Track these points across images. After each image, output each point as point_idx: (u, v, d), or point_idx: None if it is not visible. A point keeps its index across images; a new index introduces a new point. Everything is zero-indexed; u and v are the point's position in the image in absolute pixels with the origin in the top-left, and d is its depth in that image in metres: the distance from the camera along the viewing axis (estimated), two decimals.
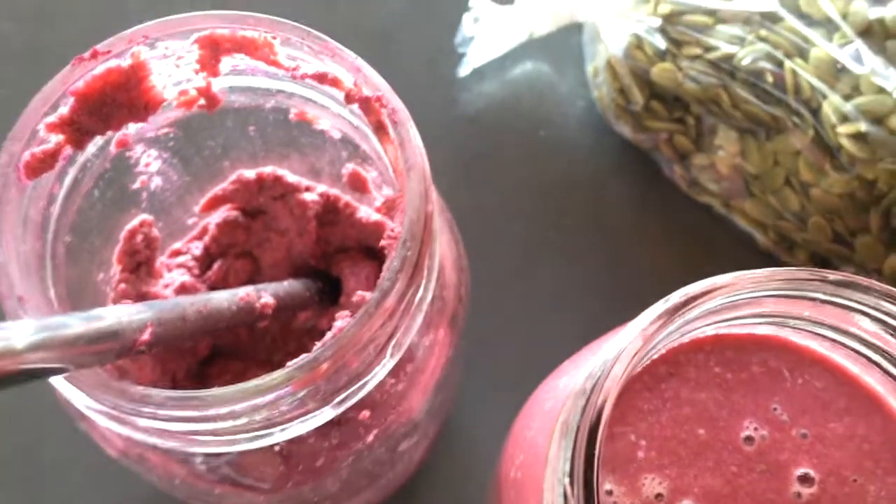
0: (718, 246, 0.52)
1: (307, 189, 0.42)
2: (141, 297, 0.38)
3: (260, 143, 0.40)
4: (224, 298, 0.32)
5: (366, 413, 0.31)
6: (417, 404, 0.33)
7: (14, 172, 0.29)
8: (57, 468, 0.47)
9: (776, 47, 0.45)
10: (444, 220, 0.36)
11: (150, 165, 0.38)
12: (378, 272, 0.42)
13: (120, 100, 0.30)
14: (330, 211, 0.42)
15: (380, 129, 0.31)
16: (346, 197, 0.42)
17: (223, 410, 0.26)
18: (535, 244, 0.52)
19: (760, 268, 0.51)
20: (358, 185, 0.42)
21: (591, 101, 0.55)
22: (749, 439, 0.30)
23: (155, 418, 0.26)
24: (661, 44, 0.47)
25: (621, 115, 0.51)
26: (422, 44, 0.56)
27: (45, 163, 0.30)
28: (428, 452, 0.44)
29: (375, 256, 0.42)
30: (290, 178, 0.41)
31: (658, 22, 0.47)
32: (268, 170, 0.41)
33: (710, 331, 0.31)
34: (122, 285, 0.38)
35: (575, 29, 0.55)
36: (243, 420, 0.26)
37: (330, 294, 0.41)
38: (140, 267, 0.39)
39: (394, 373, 0.31)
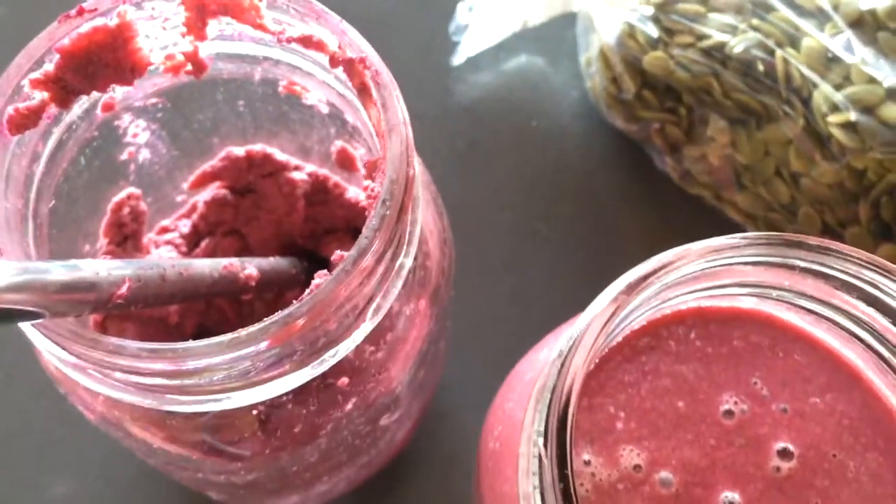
0: (709, 238, 0.52)
1: (296, 168, 0.42)
2: None
3: (250, 118, 0.41)
4: (206, 265, 0.32)
5: (344, 380, 0.31)
6: (397, 375, 0.33)
7: None
8: (43, 451, 0.47)
9: (768, 36, 0.45)
10: (430, 194, 0.36)
11: (137, 136, 0.38)
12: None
13: (106, 60, 0.30)
14: (319, 191, 0.42)
15: (363, 91, 0.31)
16: (336, 177, 0.42)
17: (199, 363, 0.25)
18: (524, 234, 0.52)
19: None
20: (346, 163, 0.42)
21: (585, 93, 0.55)
22: (729, 413, 0.30)
23: (129, 372, 0.26)
24: (654, 32, 0.47)
25: (613, 104, 0.51)
26: (416, 32, 0.56)
27: (28, 119, 0.30)
28: (411, 434, 0.44)
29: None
30: (280, 156, 0.42)
31: (650, 10, 0.47)
32: (257, 147, 0.41)
33: (692, 302, 0.31)
34: (108, 258, 0.38)
35: (569, 22, 0.55)
36: (220, 375, 0.26)
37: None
38: (126, 241, 0.39)
39: (373, 340, 0.30)
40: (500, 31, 0.53)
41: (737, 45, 0.45)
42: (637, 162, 0.53)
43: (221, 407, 0.28)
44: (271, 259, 0.38)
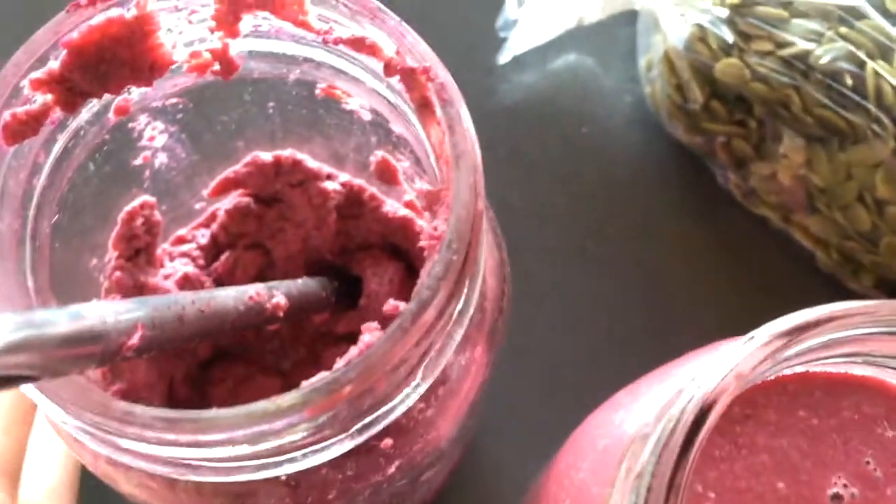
0: (774, 264, 0.47)
1: (329, 177, 0.37)
2: (138, 287, 0.34)
3: (279, 121, 0.36)
4: (230, 297, 0.28)
5: (388, 441, 0.27)
6: (447, 431, 0.29)
7: None
8: None
9: (858, 46, 0.40)
10: (487, 220, 0.32)
11: (154, 139, 0.34)
12: (403, 274, 0.37)
13: (121, 57, 0.26)
14: (353, 203, 0.38)
15: (424, 107, 0.27)
16: (372, 188, 0.38)
17: (222, 436, 0.21)
18: (570, 252, 0.47)
19: (820, 291, 0.47)
20: (386, 175, 0.37)
21: (640, 97, 0.50)
22: (837, 497, 0.26)
23: (140, 440, 0.22)
24: (729, 37, 0.42)
25: (676, 114, 0.46)
26: (461, 27, 0.51)
27: (28, 126, 0.25)
28: (448, 478, 0.40)
29: (400, 256, 0.38)
30: (311, 163, 0.37)
31: (725, 13, 0.42)
32: (286, 153, 0.37)
33: (798, 368, 0.26)
34: (118, 273, 0.34)
35: (623, 19, 0.50)
36: (245, 448, 0.22)
37: (347, 295, 0.37)
38: (139, 254, 0.35)
39: (424, 397, 0.26)
40: (553, 29, 0.48)
41: (823, 56, 0.40)
42: (696, 176, 0.49)
43: (244, 478, 0.23)
44: (300, 281, 0.34)
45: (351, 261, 0.38)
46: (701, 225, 0.48)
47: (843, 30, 0.41)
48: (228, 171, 0.37)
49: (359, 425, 0.24)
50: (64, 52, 0.25)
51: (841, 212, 0.43)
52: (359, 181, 0.37)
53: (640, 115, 0.50)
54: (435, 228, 0.25)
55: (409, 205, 0.37)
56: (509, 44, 0.49)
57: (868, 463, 0.26)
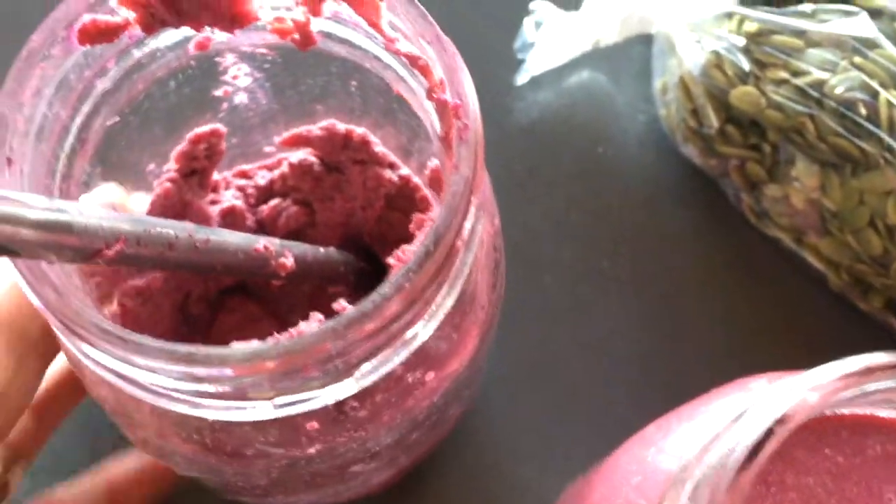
0: (785, 283, 0.48)
1: (391, 166, 0.39)
2: (183, 203, 0.36)
3: (359, 100, 0.37)
4: (236, 242, 0.30)
5: (314, 424, 0.28)
6: (377, 435, 0.30)
7: (65, 30, 0.26)
8: None
9: (871, 76, 0.41)
10: (492, 259, 0.33)
11: (238, 79, 0.35)
12: None
13: (207, 1, 0.27)
14: (404, 197, 0.39)
15: (445, 140, 0.28)
16: (427, 191, 0.39)
17: (154, 363, 0.24)
18: (587, 272, 0.48)
19: (831, 310, 0.48)
20: (437, 185, 0.38)
21: (653, 117, 0.51)
22: None
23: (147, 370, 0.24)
24: (745, 64, 0.43)
25: (690, 137, 0.47)
26: (478, 47, 0.52)
27: (104, 35, 0.27)
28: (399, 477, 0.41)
29: None
30: (379, 147, 0.39)
31: (742, 41, 0.43)
32: (360, 130, 0.38)
33: (826, 410, 0.27)
34: (168, 185, 0.35)
35: (636, 38, 0.51)
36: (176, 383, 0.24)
37: (371, 280, 0.38)
38: (194, 174, 0.36)
39: (358, 396, 0.28)
40: (570, 51, 0.49)
41: (838, 85, 0.41)
42: (710, 198, 0.49)
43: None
44: (322, 250, 0.35)
45: (385, 249, 0.39)
46: (714, 245, 0.49)
47: (857, 59, 0.41)
48: (303, 129, 0.38)
49: (280, 401, 0.25)
50: None
51: (853, 236, 0.44)
52: (417, 180, 0.39)
53: (653, 136, 0.51)
54: (404, 251, 0.26)
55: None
56: (527, 65, 0.50)
57: (891, 500, 0.27)
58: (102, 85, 0.29)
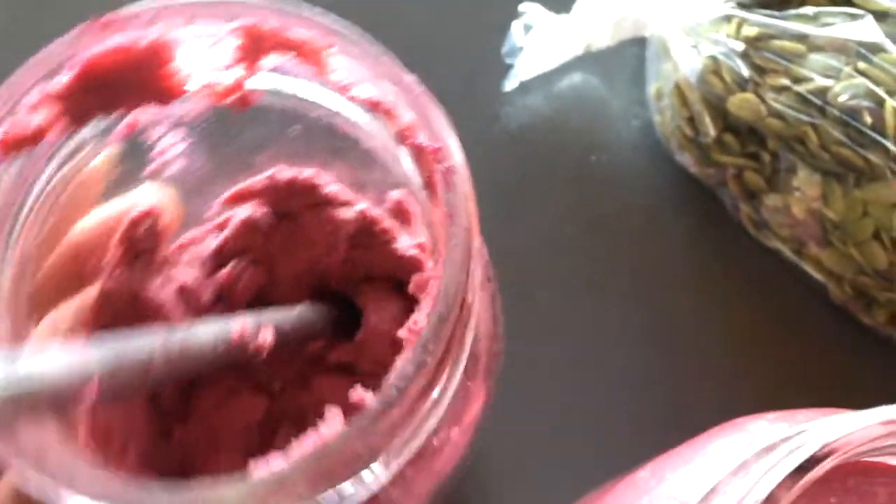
0: (785, 295, 0.46)
1: (345, 204, 0.36)
2: (132, 297, 0.33)
3: (303, 144, 0.35)
4: (211, 334, 0.27)
5: None
6: None
7: None
8: None
9: (877, 83, 0.39)
10: (487, 294, 0.31)
11: (170, 149, 0.33)
12: (407, 311, 0.36)
13: (132, 81, 0.25)
14: (365, 233, 0.37)
15: (429, 186, 0.26)
16: (388, 222, 0.37)
17: None
18: (580, 285, 0.46)
19: (832, 323, 0.46)
20: (402, 216, 0.36)
21: (647, 121, 0.49)
22: None
23: None
24: (744, 70, 0.41)
25: (686, 145, 0.45)
26: (464, 51, 0.50)
27: (28, 140, 0.25)
28: None
29: (405, 293, 0.37)
30: (331, 188, 0.36)
31: (741, 46, 0.41)
32: (307, 173, 0.36)
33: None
34: (112, 280, 0.33)
35: (631, 40, 0.49)
36: None
37: (346, 323, 0.36)
38: (139, 258, 0.34)
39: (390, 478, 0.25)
40: (560, 55, 0.47)
41: (841, 93, 0.39)
42: (707, 207, 0.48)
43: None
44: (295, 312, 0.33)
45: (355, 291, 0.37)
46: (711, 256, 0.47)
47: (861, 65, 0.40)
48: (246, 182, 0.36)
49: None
50: (73, 72, 0.25)
51: (856, 248, 0.42)
52: (375, 212, 0.37)
53: (648, 142, 0.49)
54: (416, 322, 0.24)
55: (421, 246, 0.36)
56: (515, 70, 0.48)
57: None
58: (38, 187, 0.27)
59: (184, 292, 0.34)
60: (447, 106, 0.52)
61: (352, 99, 0.27)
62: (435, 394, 0.24)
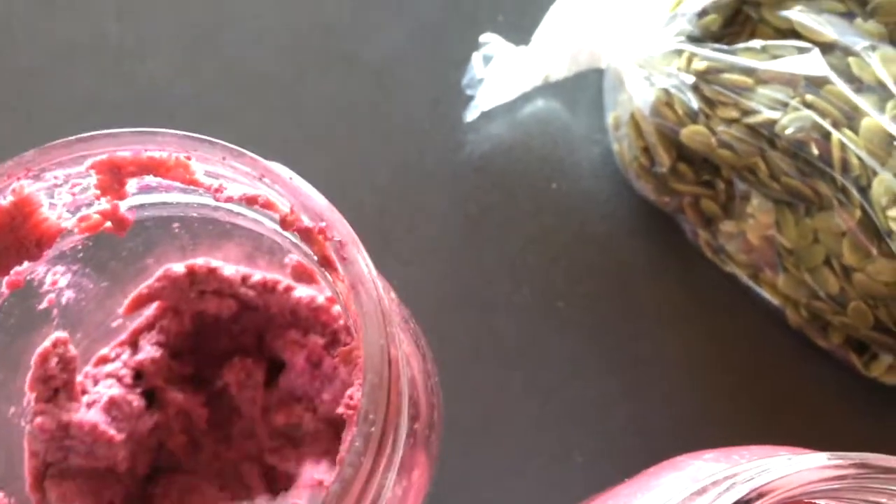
0: (745, 321, 0.47)
1: (244, 279, 0.37)
2: (62, 427, 0.34)
3: (187, 237, 0.36)
4: None
5: None
6: None
7: None
8: None
9: (823, 115, 0.40)
10: (409, 335, 0.32)
11: (57, 283, 0.33)
12: (320, 348, 0.37)
13: (4, 242, 0.26)
14: (266, 291, 0.38)
15: (326, 263, 0.27)
16: (287, 280, 0.37)
17: None
18: (543, 313, 0.47)
19: (790, 347, 0.47)
20: (304, 277, 0.37)
21: (608, 148, 0.50)
22: None
23: None
24: (694, 103, 0.42)
25: (643, 175, 0.46)
26: (425, 81, 0.51)
27: None
28: None
29: (316, 331, 0.38)
30: (227, 268, 0.37)
31: (691, 79, 0.42)
32: (200, 262, 0.37)
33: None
34: (39, 418, 0.33)
35: (592, 68, 0.50)
36: None
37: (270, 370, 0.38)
38: (58, 393, 0.34)
39: None
40: (519, 86, 0.48)
41: (789, 125, 0.40)
42: (666, 233, 0.48)
43: None
44: None
45: (271, 347, 0.38)
46: (672, 281, 0.48)
47: (808, 97, 0.40)
48: (141, 287, 0.37)
49: None
50: None
51: (809, 273, 0.43)
52: (273, 276, 0.37)
53: (608, 169, 0.50)
54: (351, 397, 0.25)
55: (331, 299, 0.37)
56: (476, 101, 0.48)
57: None
58: None
59: (113, 405, 0.35)
60: (412, 136, 0.53)
61: (227, 200, 0.28)
62: (385, 457, 0.25)
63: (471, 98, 0.49)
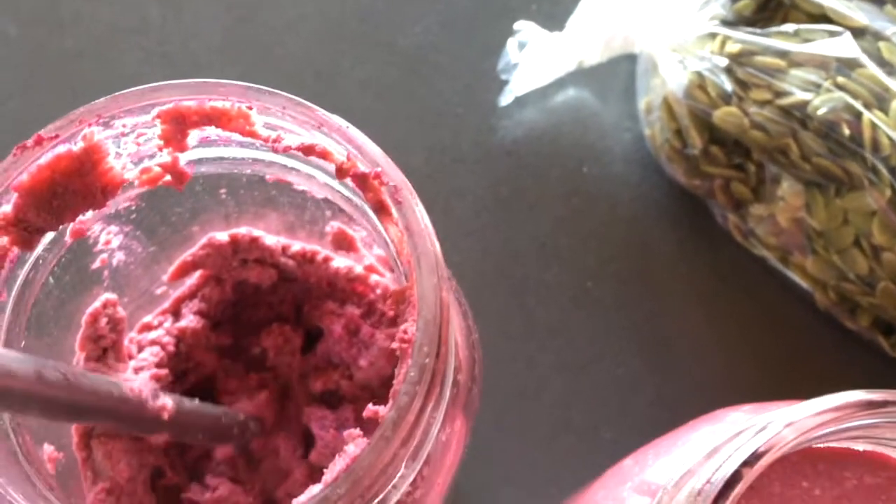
0: (773, 302, 0.48)
1: (284, 250, 0.38)
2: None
3: (232, 204, 0.37)
4: (105, 379, 0.29)
5: None
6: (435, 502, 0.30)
7: None
8: None
9: (854, 97, 0.41)
10: (451, 293, 0.33)
11: (110, 243, 0.34)
12: (357, 317, 0.38)
13: (73, 188, 0.27)
14: (307, 261, 0.39)
15: (380, 208, 0.27)
16: (326, 251, 0.38)
17: None
18: (573, 293, 0.48)
19: (818, 329, 0.47)
20: (344, 244, 0.38)
21: (638, 135, 0.51)
22: None
23: None
24: (727, 85, 0.43)
25: (675, 157, 0.47)
26: (460, 66, 0.52)
27: None
28: None
29: (353, 302, 0.39)
30: (269, 238, 0.38)
31: (725, 62, 0.43)
32: (242, 231, 0.38)
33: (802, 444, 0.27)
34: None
35: (623, 56, 0.51)
36: None
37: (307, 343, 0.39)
38: (106, 352, 0.35)
39: (412, 482, 0.27)
40: (553, 71, 0.49)
41: (821, 106, 0.41)
42: (696, 217, 0.49)
43: None
44: (198, 403, 0.34)
45: (309, 317, 0.39)
46: (701, 264, 0.49)
47: (840, 80, 0.41)
48: (186, 255, 0.38)
49: None
50: (15, 196, 0.26)
51: (838, 255, 0.44)
52: (312, 247, 0.38)
53: (639, 155, 0.51)
54: (406, 332, 0.26)
55: (369, 268, 0.38)
56: (511, 86, 0.49)
57: None
58: (5, 318, 0.28)
59: (157, 379, 0.36)
60: (447, 120, 0.54)
61: (285, 150, 0.28)
62: (437, 393, 0.26)
63: (505, 83, 0.50)
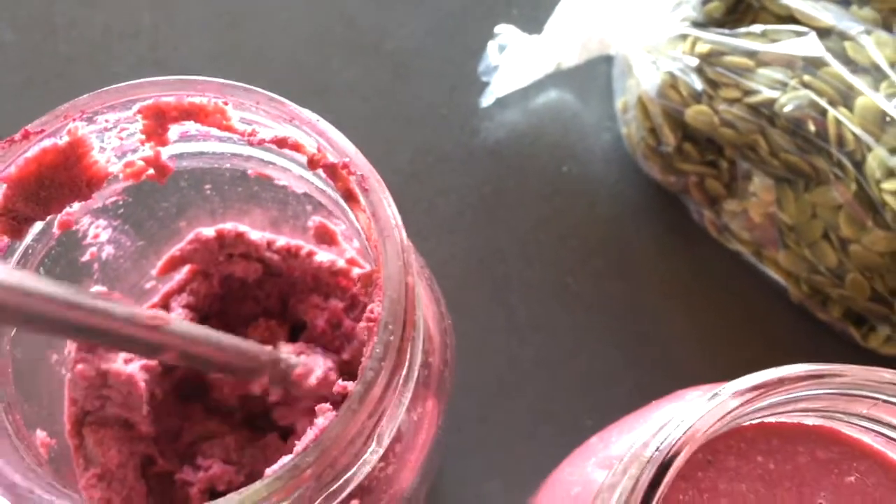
0: (748, 297, 0.49)
1: (269, 245, 0.40)
2: (101, 375, 0.36)
3: (218, 200, 0.38)
4: (125, 312, 0.29)
5: (355, 503, 0.29)
6: (408, 482, 0.31)
7: None
8: None
9: (820, 94, 0.42)
10: (424, 280, 0.34)
11: (99, 236, 0.36)
12: (340, 311, 0.40)
13: (59, 180, 0.28)
14: (291, 256, 0.40)
15: (349, 197, 0.29)
16: (310, 246, 0.40)
17: None
18: (553, 290, 0.49)
19: (792, 321, 0.49)
20: (326, 238, 0.39)
21: (617, 135, 0.53)
22: None
23: None
24: (698, 84, 0.44)
25: (650, 155, 0.48)
26: (444, 69, 0.53)
27: None
28: None
29: (336, 296, 0.40)
30: (254, 233, 0.39)
31: (695, 62, 0.44)
32: (228, 226, 0.39)
33: (754, 420, 0.28)
34: (80, 366, 0.36)
35: (601, 57, 0.52)
36: None
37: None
38: (96, 345, 0.37)
39: (383, 457, 0.28)
40: (532, 73, 0.50)
41: (788, 104, 0.42)
42: (673, 213, 0.51)
43: None
44: (226, 338, 0.35)
45: (294, 311, 0.40)
46: (678, 260, 0.50)
47: (806, 78, 0.43)
48: (174, 250, 0.39)
49: (324, 496, 0.26)
50: (4, 187, 0.28)
51: (809, 248, 0.45)
52: (296, 242, 0.40)
53: (617, 153, 0.52)
54: (372, 311, 0.27)
55: (351, 261, 0.40)
56: (491, 87, 0.51)
57: None
58: None
59: (147, 367, 0.37)
60: (431, 121, 0.56)
61: (260, 143, 0.30)
62: (404, 370, 0.27)
63: (486, 85, 0.51)
